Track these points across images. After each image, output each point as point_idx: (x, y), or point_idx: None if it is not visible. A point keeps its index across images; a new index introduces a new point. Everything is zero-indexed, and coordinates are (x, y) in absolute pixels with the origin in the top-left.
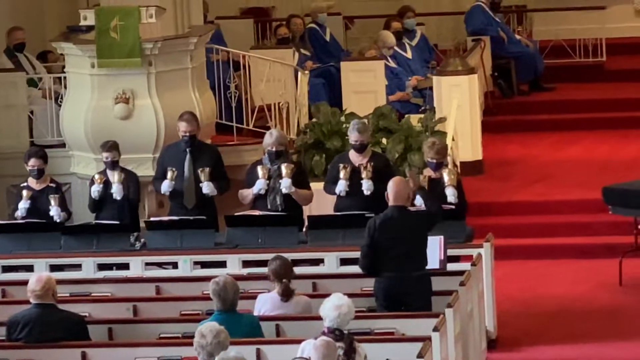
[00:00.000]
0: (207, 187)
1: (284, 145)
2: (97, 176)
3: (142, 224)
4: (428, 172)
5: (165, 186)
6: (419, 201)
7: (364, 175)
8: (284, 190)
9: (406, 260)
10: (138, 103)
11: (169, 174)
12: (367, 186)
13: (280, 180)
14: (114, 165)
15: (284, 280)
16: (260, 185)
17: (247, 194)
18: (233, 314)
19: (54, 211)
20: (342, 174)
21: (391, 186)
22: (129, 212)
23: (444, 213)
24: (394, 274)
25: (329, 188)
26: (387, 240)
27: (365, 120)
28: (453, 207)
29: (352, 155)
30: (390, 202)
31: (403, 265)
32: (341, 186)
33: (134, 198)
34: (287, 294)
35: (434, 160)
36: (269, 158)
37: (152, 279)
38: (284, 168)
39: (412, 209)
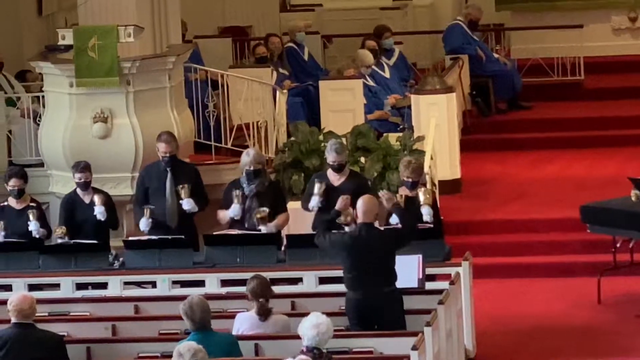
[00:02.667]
0: (187, 204)
1: (261, 164)
2: (57, 229)
3: (120, 244)
4: (404, 190)
5: (143, 224)
6: (394, 220)
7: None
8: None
9: (375, 277)
10: (116, 122)
11: (146, 212)
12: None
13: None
14: (86, 185)
15: (260, 299)
16: (235, 211)
17: (224, 216)
18: (210, 333)
19: (33, 226)
20: (316, 189)
21: (360, 204)
22: (105, 232)
23: (421, 232)
24: (363, 291)
25: (305, 205)
26: (355, 256)
27: (343, 140)
28: (431, 225)
29: (330, 174)
30: (359, 220)
31: (372, 282)
32: (314, 202)
33: (112, 220)
34: (264, 313)
35: (410, 179)
36: (246, 177)
37: (130, 298)
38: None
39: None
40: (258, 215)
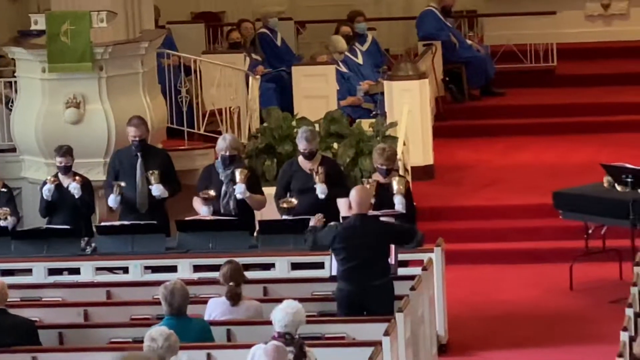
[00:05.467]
0: (156, 190)
1: (237, 149)
2: (49, 177)
3: (93, 229)
4: (377, 177)
5: (111, 201)
6: (398, 206)
7: (316, 179)
8: (238, 196)
9: (368, 269)
10: (89, 108)
11: (115, 188)
12: (321, 189)
13: (234, 186)
14: (67, 170)
15: (230, 283)
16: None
17: (199, 208)
18: (183, 319)
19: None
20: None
21: (354, 194)
22: (82, 216)
23: (393, 218)
24: (356, 282)
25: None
26: (349, 248)
27: (316, 126)
28: (403, 212)
29: (302, 161)
30: (354, 210)
31: (365, 273)
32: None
33: (89, 202)
34: (234, 298)
35: (384, 167)
36: (222, 162)
37: (102, 284)
38: (237, 173)
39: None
40: (238, 172)
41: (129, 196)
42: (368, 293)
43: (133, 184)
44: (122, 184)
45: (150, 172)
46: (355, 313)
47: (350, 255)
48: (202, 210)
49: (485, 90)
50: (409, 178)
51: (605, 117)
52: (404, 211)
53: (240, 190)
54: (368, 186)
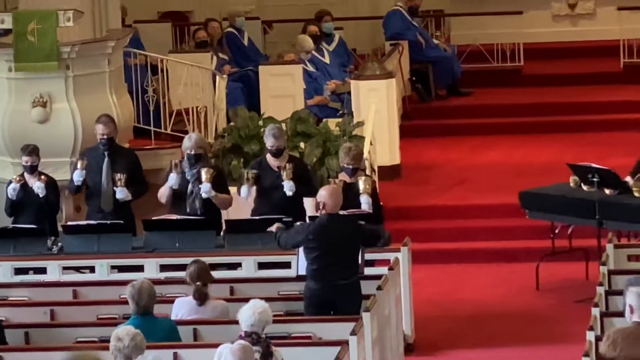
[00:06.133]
0: (120, 192)
1: (203, 148)
2: (15, 177)
3: (59, 229)
4: (344, 177)
5: (77, 175)
6: (365, 206)
7: (284, 176)
8: (204, 195)
9: (337, 268)
10: (55, 107)
11: (79, 163)
12: (288, 186)
13: (199, 185)
14: (32, 169)
15: (197, 283)
16: (173, 179)
17: (164, 191)
18: (149, 318)
19: None
20: (245, 178)
21: (323, 193)
22: (48, 216)
23: (360, 218)
24: (325, 281)
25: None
26: (319, 247)
27: (282, 125)
28: (370, 212)
29: (269, 159)
30: (323, 210)
31: (335, 272)
32: (244, 192)
33: (54, 202)
34: (201, 298)
35: (350, 166)
36: (188, 161)
37: (69, 283)
38: (203, 173)
39: (346, 212)
40: (204, 172)
41: (95, 195)
42: (337, 292)
43: (99, 182)
44: (84, 158)
45: (118, 176)
46: (324, 312)
47: (322, 254)
48: (171, 178)
49: (452, 90)
50: (376, 178)
51: (572, 117)
52: (371, 211)
53: (205, 189)
54: (335, 186)
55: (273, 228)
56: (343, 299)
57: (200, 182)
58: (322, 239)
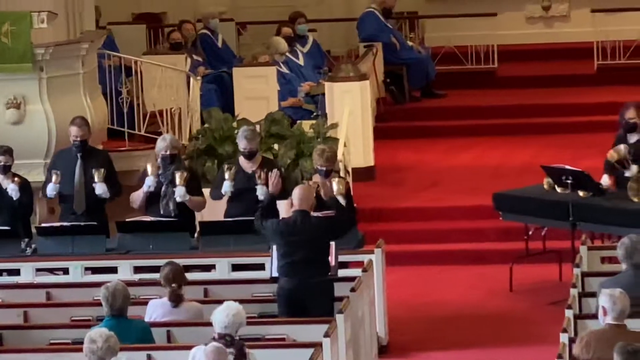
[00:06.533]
0: (100, 188)
1: (177, 149)
2: None
3: (33, 230)
4: (317, 178)
5: (50, 189)
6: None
7: (259, 180)
8: (178, 199)
9: (307, 266)
10: (29, 108)
11: (54, 177)
12: (262, 191)
13: (173, 188)
14: (6, 169)
15: (172, 285)
16: (149, 182)
17: (138, 194)
18: (123, 320)
19: None
20: (226, 175)
21: (296, 191)
22: (21, 217)
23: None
24: (295, 279)
25: (215, 193)
26: (289, 244)
27: (255, 127)
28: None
29: (242, 161)
30: (295, 207)
31: (304, 270)
32: (226, 187)
33: (28, 203)
34: (176, 299)
35: (324, 168)
36: (162, 163)
37: (42, 285)
38: (177, 177)
39: (318, 214)
40: (178, 175)
41: (69, 197)
42: (307, 290)
43: (72, 185)
44: (58, 172)
45: (96, 170)
46: (295, 310)
47: (290, 250)
48: (148, 180)
49: (426, 92)
50: (350, 179)
51: (546, 119)
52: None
53: (180, 193)
54: (307, 185)
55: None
56: (314, 298)
57: (174, 185)
58: (290, 236)
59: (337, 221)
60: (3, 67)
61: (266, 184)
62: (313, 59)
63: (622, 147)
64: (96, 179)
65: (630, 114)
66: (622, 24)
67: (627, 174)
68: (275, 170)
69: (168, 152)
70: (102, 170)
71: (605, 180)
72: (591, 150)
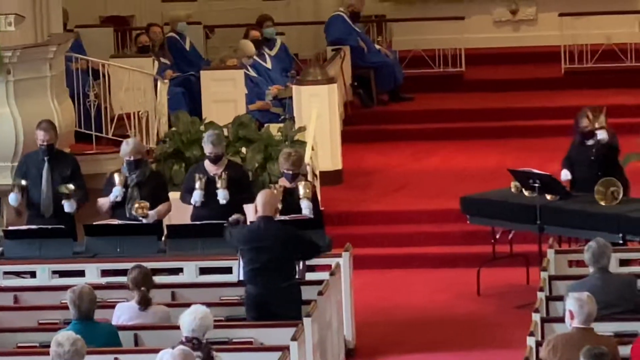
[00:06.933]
0: (68, 206)
1: (141, 154)
2: None
3: (0, 233)
4: (284, 182)
5: (12, 199)
6: (305, 211)
7: (219, 184)
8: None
9: (272, 272)
10: None
11: (16, 188)
12: (222, 195)
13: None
14: None
15: (142, 288)
16: (116, 192)
17: (104, 201)
18: (90, 323)
19: None
20: (197, 184)
21: (259, 197)
22: None
23: (301, 223)
24: (260, 285)
25: (185, 198)
26: (253, 250)
27: (224, 130)
28: (311, 217)
29: (208, 165)
30: (259, 213)
31: (269, 276)
32: (197, 196)
33: None
34: (144, 303)
35: (290, 172)
36: (127, 167)
37: (10, 288)
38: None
39: (285, 217)
40: (137, 206)
41: (36, 201)
42: (274, 295)
43: (39, 188)
44: (24, 182)
45: (64, 186)
46: (262, 315)
47: (255, 256)
48: (115, 190)
49: (393, 95)
50: (318, 183)
51: (514, 122)
52: (312, 216)
53: (153, 216)
54: (275, 192)
55: (233, 217)
56: (280, 303)
57: (140, 187)
58: (255, 242)
59: (312, 244)
60: None
61: (227, 188)
62: (281, 62)
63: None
64: (64, 198)
65: (584, 122)
66: (590, 28)
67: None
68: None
69: (132, 158)
70: (71, 186)
71: (566, 174)
72: (558, 154)
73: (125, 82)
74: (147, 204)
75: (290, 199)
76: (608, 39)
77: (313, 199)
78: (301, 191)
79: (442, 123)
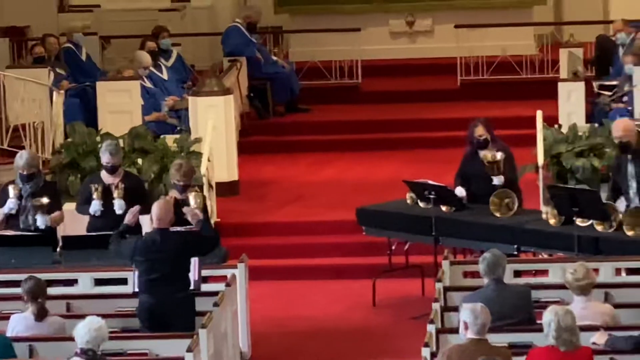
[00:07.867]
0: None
1: (35, 167)
2: None
3: None
4: (174, 193)
5: None
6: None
7: (115, 194)
8: (41, 226)
9: (168, 283)
10: None
11: None
12: (119, 205)
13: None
14: None
15: (39, 300)
16: (11, 205)
17: None
18: None
19: None
20: (95, 195)
21: (154, 209)
22: None
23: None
24: (156, 296)
25: (82, 209)
26: (149, 262)
27: (118, 142)
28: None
29: (104, 175)
30: (154, 225)
31: (165, 287)
32: (95, 206)
33: None
34: (41, 314)
35: (181, 183)
36: (20, 180)
37: None
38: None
39: (180, 229)
40: (36, 203)
41: None
42: (168, 306)
43: None
44: None
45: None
46: (156, 325)
47: (150, 268)
48: (9, 203)
49: (290, 107)
50: (214, 194)
51: (410, 134)
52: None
53: (43, 220)
54: (165, 201)
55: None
56: (175, 314)
57: (34, 196)
58: (150, 254)
59: (204, 238)
60: None
61: (123, 198)
62: (177, 74)
63: (498, 153)
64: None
65: (479, 131)
66: (485, 40)
67: (496, 181)
68: (136, 207)
69: (26, 172)
70: (44, 201)
71: (461, 191)
72: (454, 165)
73: (21, 93)
74: (46, 201)
75: (181, 211)
76: (504, 51)
77: (204, 209)
78: (192, 201)
79: (338, 134)
